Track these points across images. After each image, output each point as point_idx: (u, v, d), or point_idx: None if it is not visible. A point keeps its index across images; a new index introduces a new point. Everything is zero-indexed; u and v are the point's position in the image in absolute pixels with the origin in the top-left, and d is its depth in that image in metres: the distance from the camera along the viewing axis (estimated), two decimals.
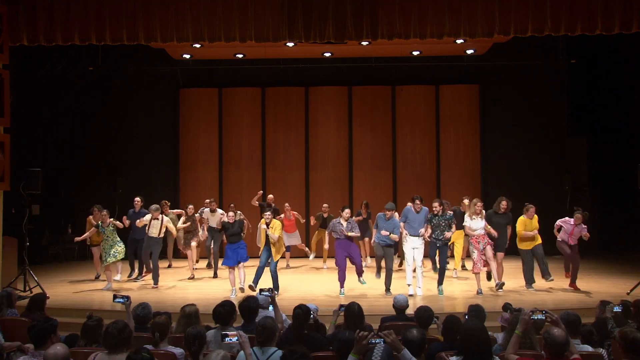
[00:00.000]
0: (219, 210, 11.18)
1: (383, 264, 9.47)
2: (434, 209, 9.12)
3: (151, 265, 10.20)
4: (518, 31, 9.22)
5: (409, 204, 9.34)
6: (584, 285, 9.60)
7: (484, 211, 9.25)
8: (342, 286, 9.18)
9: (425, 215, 9.15)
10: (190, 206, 11.30)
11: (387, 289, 9.20)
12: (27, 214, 9.85)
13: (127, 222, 10.51)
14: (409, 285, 9.13)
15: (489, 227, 9.16)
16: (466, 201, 10.33)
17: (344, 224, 9.21)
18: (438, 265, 9.64)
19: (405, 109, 14.53)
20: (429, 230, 9.25)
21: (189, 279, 10.80)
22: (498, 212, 9.35)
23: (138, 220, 10.12)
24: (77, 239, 10.56)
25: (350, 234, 9.16)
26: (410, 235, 9.09)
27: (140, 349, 3.96)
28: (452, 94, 14.56)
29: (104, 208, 10.20)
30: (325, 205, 12.07)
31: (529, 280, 9.43)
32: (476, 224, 9.15)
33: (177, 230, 11.23)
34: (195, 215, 11.33)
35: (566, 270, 9.63)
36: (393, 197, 13.78)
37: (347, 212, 9.29)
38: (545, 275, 9.29)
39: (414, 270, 9.20)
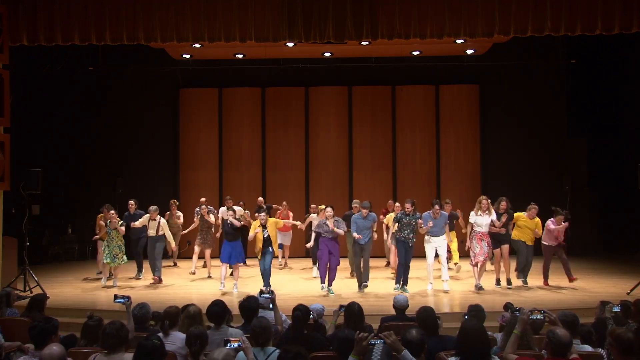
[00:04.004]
0: (237, 208, 11.18)
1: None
2: (406, 209, 9.23)
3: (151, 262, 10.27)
4: (518, 31, 9.22)
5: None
6: (584, 285, 9.63)
7: (492, 208, 9.32)
8: (323, 282, 9.24)
9: (445, 219, 9.41)
10: (204, 207, 11.15)
11: (363, 284, 9.32)
12: (27, 214, 9.85)
13: (122, 230, 10.23)
14: (431, 283, 9.44)
15: (498, 223, 9.28)
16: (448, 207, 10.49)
17: (330, 223, 9.21)
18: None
19: (405, 109, 14.54)
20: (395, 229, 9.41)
21: (190, 273, 11.03)
22: (499, 212, 9.44)
23: (132, 223, 10.19)
24: (95, 237, 10.70)
25: (337, 230, 9.17)
26: (432, 236, 9.32)
27: (150, 336, 3.98)
28: (452, 94, 14.56)
29: (111, 206, 10.26)
30: (313, 206, 11.90)
31: (522, 271, 9.66)
32: (482, 220, 9.22)
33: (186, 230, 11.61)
34: (205, 216, 11.23)
35: (545, 278, 9.71)
36: (393, 197, 13.75)
37: (329, 211, 9.30)
38: (522, 275, 9.66)
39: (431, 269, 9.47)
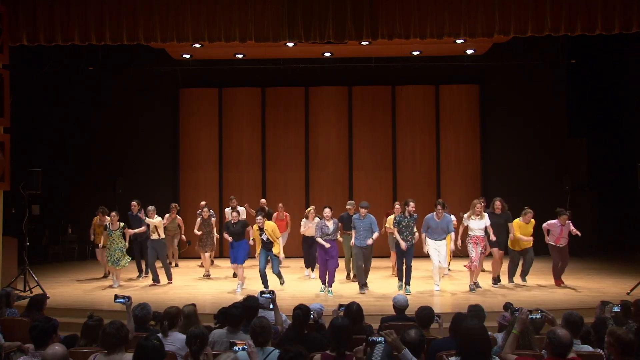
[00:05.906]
0: (240, 209, 11.16)
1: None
2: (411, 208, 9.10)
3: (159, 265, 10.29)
4: (518, 31, 9.22)
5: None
6: (584, 285, 9.63)
7: (485, 213, 9.29)
8: (323, 283, 9.22)
9: (447, 222, 9.20)
10: (205, 209, 11.10)
11: (362, 285, 9.24)
12: (27, 214, 9.86)
13: (128, 233, 10.26)
14: (437, 284, 9.29)
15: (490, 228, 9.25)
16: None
17: (329, 224, 9.16)
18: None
19: (405, 109, 14.53)
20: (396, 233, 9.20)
21: (205, 276, 10.98)
22: (494, 213, 9.43)
23: (137, 230, 10.21)
24: (99, 248, 10.66)
25: (322, 240, 9.09)
26: (433, 240, 9.21)
27: (150, 336, 3.98)
28: (452, 94, 14.55)
29: (107, 209, 10.25)
30: (308, 211, 11.87)
31: (511, 276, 9.75)
32: (475, 224, 9.18)
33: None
34: (213, 219, 11.16)
35: (555, 278, 9.66)
36: (393, 197, 13.78)
37: (327, 212, 9.22)
38: (524, 277, 9.74)
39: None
